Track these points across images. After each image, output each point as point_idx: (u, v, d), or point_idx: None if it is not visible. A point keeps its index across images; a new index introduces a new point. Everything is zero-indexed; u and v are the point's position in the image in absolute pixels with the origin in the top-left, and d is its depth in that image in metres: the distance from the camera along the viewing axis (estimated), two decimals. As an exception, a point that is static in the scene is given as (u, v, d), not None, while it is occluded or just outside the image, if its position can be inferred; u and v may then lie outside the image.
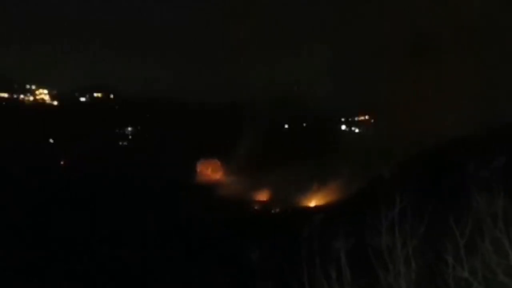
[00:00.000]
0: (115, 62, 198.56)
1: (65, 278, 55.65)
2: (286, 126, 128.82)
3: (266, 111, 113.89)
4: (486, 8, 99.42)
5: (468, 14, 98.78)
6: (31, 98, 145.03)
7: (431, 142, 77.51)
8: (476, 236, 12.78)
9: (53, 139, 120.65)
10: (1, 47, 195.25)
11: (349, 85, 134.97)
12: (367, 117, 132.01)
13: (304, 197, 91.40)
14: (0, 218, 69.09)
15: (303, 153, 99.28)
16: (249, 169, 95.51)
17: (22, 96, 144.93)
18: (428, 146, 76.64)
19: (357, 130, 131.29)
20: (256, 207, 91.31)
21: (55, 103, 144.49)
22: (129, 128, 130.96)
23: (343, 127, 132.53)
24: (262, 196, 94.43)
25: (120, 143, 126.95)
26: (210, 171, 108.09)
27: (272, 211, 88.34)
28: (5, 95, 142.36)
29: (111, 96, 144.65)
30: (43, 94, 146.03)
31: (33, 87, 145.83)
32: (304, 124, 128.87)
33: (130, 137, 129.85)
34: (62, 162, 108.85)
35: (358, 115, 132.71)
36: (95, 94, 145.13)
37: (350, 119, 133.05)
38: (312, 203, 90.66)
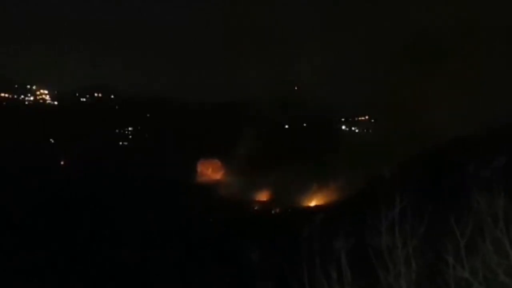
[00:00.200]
0: (115, 62, 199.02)
1: (65, 278, 55.68)
2: (286, 126, 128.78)
3: (266, 111, 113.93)
4: (486, 8, 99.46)
5: (469, 14, 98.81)
6: (32, 98, 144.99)
7: (431, 142, 77.59)
8: (476, 236, 12.77)
9: (53, 139, 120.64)
10: (1, 47, 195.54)
11: (349, 85, 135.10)
12: (367, 117, 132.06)
13: (304, 197, 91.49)
14: (0, 218, 69.13)
15: (303, 153, 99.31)
16: (249, 169, 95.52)
17: (22, 96, 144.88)
18: (428, 146, 76.72)
19: (357, 130, 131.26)
20: (256, 207, 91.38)
21: (56, 103, 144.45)
22: (129, 128, 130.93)
23: (343, 127, 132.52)
24: (262, 196, 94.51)
25: (120, 143, 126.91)
26: (210, 171, 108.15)
27: (272, 211, 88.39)
28: (6, 95, 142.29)
29: (111, 96, 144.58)
30: (44, 94, 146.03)
31: (34, 87, 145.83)
32: (304, 124, 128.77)
33: (130, 137, 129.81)
34: (62, 162, 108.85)
35: (358, 115, 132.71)
36: (95, 94, 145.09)
37: (350, 119, 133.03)
38: (312, 203, 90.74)
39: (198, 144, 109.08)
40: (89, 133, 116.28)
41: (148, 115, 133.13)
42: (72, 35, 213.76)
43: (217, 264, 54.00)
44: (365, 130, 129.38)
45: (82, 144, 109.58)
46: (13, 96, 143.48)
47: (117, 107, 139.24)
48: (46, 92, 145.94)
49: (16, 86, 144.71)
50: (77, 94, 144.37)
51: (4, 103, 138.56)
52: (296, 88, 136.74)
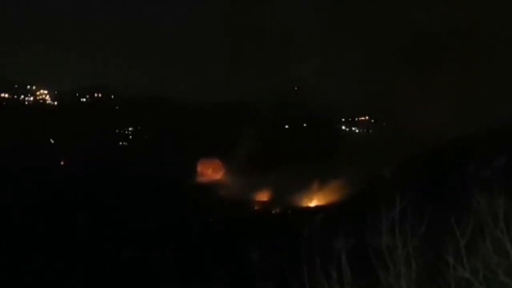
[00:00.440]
0: (115, 62, 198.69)
1: (65, 278, 55.67)
2: (286, 126, 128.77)
3: (266, 111, 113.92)
4: (486, 8, 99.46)
5: (469, 14, 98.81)
6: (32, 98, 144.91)
7: (431, 142, 77.63)
8: (476, 236, 12.77)
9: (53, 139, 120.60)
10: (1, 47, 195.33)
11: (349, 85, 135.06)
12: (367, 117, 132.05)
13: (304, 197, 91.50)
14: (0, 218, 69.13)
15: (303, 153, 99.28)
16: (249, 169, 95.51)
17: (22, 96, 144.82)
18: (428, 146, 76.76)
19: (357, 130, 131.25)
20: (256, 207, 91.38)
21: (56, 103, 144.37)
22: (129, 128, 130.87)
23: (343, 127, 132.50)
24: (263, 196, 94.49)
25: (120, 143, 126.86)
26: (211, 171, 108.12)
27: (273, 211, 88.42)
28: (6, 95, 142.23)
29: (111, 96, 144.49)
30: (44, 94, 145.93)
31: (34, 87, 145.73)
32: (304, 124, 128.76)
33: (130, 137, 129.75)
34: (62, 162, 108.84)
35: (358, 115, 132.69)
36: (95, 94, 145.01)
37: (350, 119, 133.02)
38: (312, 203, 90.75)
39: (198, 144, 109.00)
40: (89, 133, 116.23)
41: (148, 115, 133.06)
42: (72, 35, 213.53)
43: (217, 264, 53.92)
44: (365, 130, 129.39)
45: (82, 144, 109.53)
46: (13, 96, 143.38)
47: (117, 107, 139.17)
48: (46, 92, 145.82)
49: (16, 86, 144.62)
50: (77, 94, 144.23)
51: (4, 103, 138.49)
52: (296, 88, 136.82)
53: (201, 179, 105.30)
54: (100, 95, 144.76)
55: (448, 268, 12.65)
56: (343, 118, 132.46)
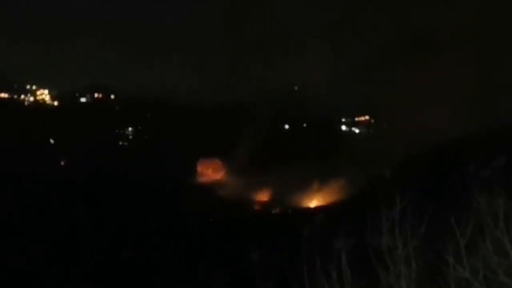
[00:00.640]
0: (115, 62, 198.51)
1: (65, 278, 55.66)
2: (286, 126, 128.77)
3: (266, 111, 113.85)
4: (486, 8, 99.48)
5: (469, 14, 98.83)
6: (32, 98, 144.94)
7: (431, 142, 77.60)
8: (476, 236, 12.78)
9: (53, 139, 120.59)
10: (1, 47, 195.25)
11: (349, 85, 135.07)
12: (367, 117, 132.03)
13: (304, 197, 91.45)
14: (0, 218, 69.12)
15: (303, 153, 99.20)
16: (250, 169, 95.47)
17: (22, 96, 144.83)
18: (428, 146, 76.73)
19: (357, 130, 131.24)
20: (256, 207, 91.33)
21: (56, 103, 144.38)
22: (129, 128, 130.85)
23: (343, 127, 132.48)
24: (263, 196, 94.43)
25: (120, 143, 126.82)
26: (211, 171, 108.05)
27: (273, 211, 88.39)
28: (6, 95, 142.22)
29: (111, 96, 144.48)
30: (44, 95, 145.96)
31: (34, 87, 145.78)
32: (304, 124, 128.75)
33: (130, 137, 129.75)
34: (62, 162, 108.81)
35: (358, 115, 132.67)
36: (95, 94, 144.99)
37: (350, 119, 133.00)
38: (313, 203, 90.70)
39: (198, 144, 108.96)
40: (89, 133, 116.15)
41: (148, 115, 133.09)
42: (72, 35, 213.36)
43: (217, 264, 53.92)
44: (365, 130, 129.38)
45: (82, 144, 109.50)
46: (13, 96, 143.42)
47: (117, 107, 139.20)
48: (46, 92, 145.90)
49: (16, 86, 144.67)
50: (77, 94, 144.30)
51: (4, 103, 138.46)
52: (296, 88, 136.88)
53: (201, 179, 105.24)
54: (100, 95, 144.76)
55: (448, 268, 12.66)
56: (343, 118, 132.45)
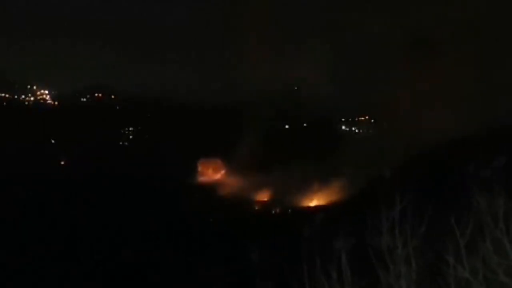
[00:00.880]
0: (115, 62, 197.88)
1: (65, 278, 55.66)
2: (286, 126, 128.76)
3: (266, 111, 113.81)
4: (486, 8, 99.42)
5: (469, 13, 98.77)
6: (32, 98, 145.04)
7: (431, 142, 77.58)
8: (476, 236, 12.77)
9: (53, 139, 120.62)
10: (1, 47, 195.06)
11: (349, 85, 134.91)
12: (367, 117, 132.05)
13: (304, 197, 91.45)
14: (0, 218, 69.12)
15: (303, 153, 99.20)
16: (250, 169, 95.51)
17: (23, 96, 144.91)
18: (428, 146, 76.73)
19: (357, 130, 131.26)
20: (256, 207, 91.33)
21: (56, 103, 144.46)
22: (129, 128, 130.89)
23: (343, 127, 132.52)
24: (263, 196, 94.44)
25: (121, 143, 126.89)
26: (211, 171, 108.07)
27: (273, 211, 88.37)
28: (6, 95, 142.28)
29: (111, 96, 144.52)
30: (44, 94, 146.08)
31: (34, 87, 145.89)
32: (304, 124, 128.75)
33: (130, 137, 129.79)
34: (62, 162, 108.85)
35: (358, 115, 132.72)
36: (95, 94, 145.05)
37: (350, 119, 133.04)
38: (313, 203, 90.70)
39: (198, 144, 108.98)
40: (89, 133, 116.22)
41: (148, 115, 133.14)
42: (72, 35, 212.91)
43: (217, 264, 53.93)
44: (365, 130, 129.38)
45: (82, 144, 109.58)
46: (13, 96, 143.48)
47: (117, 107, 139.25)
48: (46, 92, 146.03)
49: (16, 86, 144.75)
50: (77, 94, 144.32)
51: (4, 103, 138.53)
52: (296, 88, 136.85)
53: (201, 179, 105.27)
54: (100, 95, 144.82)
55: (448, 268, 12.65)
56: (343, 118, 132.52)
